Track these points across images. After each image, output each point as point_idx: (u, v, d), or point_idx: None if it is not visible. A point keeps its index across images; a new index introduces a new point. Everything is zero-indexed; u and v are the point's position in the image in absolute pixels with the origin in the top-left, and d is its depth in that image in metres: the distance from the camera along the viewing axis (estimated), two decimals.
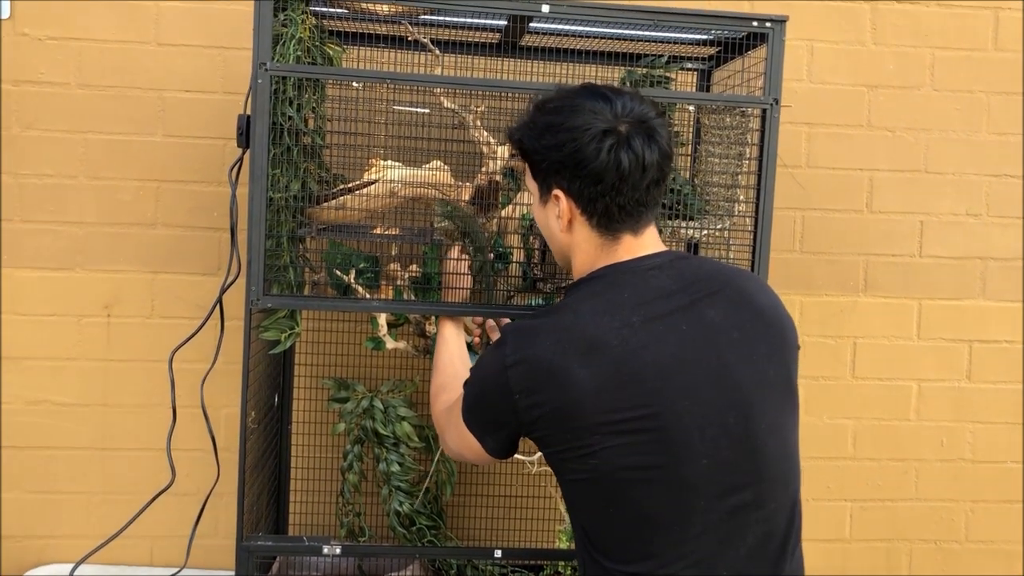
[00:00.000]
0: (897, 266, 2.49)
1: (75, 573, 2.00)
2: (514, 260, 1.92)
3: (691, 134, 2.08)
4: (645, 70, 2.04)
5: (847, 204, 2.47)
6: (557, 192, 1.34)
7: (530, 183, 1.42)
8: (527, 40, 2.09)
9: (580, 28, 1.96)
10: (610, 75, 2.15)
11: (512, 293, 1.93)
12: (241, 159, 1.87)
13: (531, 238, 1.94)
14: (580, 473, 1.28)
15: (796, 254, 2.46)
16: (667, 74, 2.03)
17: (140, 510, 1.91)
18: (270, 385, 2.11)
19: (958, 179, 2.49)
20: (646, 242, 1.37)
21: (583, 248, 1.37)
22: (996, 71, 2.47)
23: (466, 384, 1.44)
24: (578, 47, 2.10)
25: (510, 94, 1.92)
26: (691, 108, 2.00)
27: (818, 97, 2.43)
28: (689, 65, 2.20)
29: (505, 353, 1.31)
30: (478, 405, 1.39)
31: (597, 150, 1.28)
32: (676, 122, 2.03)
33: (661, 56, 2.07)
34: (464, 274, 1.79)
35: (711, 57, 2.14)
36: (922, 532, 2.56)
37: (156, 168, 2.29)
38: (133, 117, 2.27)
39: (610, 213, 1.33)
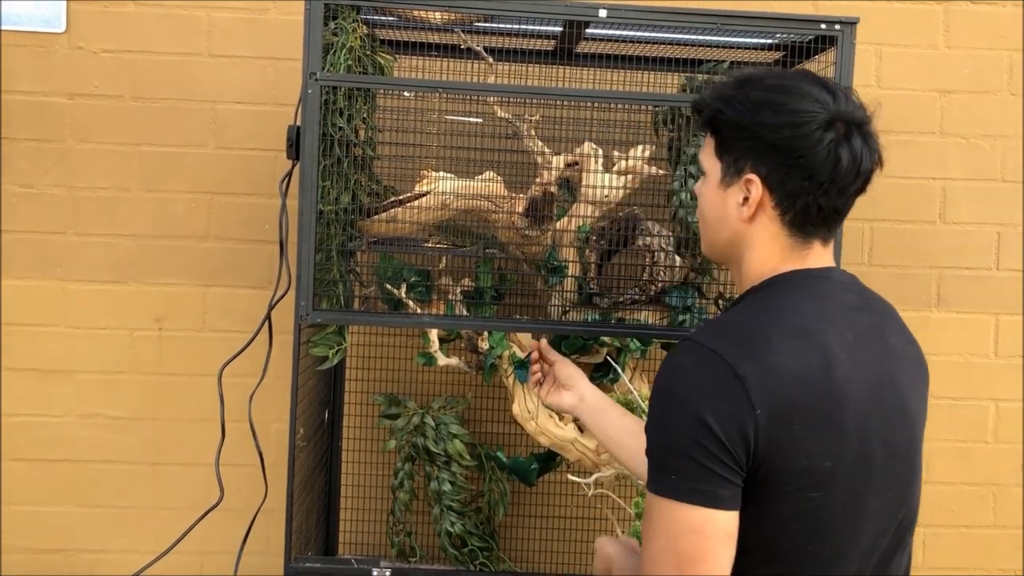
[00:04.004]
0: (972, 280, 2.37)
1: None
2: (570, 274, 1.85)
3: None
4: (706, 76, 1.96)
5: (919, 215, 2.36)
6: (752, 177, 1.19)
7: (708, 161, 1.26)
8: (582, 47, 2.02)
9: (638, 33, 1.89)
10: (669, 81, 2.08)
11: (567, 308, 1.86)
12: (291, 171, 1.84)
13: (587, 251, 1.87)
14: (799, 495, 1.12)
15: (864, 267, 2.35)
16: None
17: (189, 527, 1.88)
18: (319, 401, 2.07)
19: None
20: (830, 254, 1.25)
21: (766, 246, 1.22)
22: None
23: (659, 450, 1.14)
24: (633, 53, 2.03)
25: (565, 102, 1.86)
26: None
27: (887, 103, 2.28)
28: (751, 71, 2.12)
29: (726, 361, 1.10)
30: (695, 448, 1.09)
31: (819, 140, 1.15)
32: None
33: (722, 62, 1.99)
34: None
35: (775, 62, 2.06)
36: (1000, 561, 2.42)
37: (208, 180, 2.27)
38: (185, 129, 2.26)
39: (808, 213, 1.19)
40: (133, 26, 2.24)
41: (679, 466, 1.10)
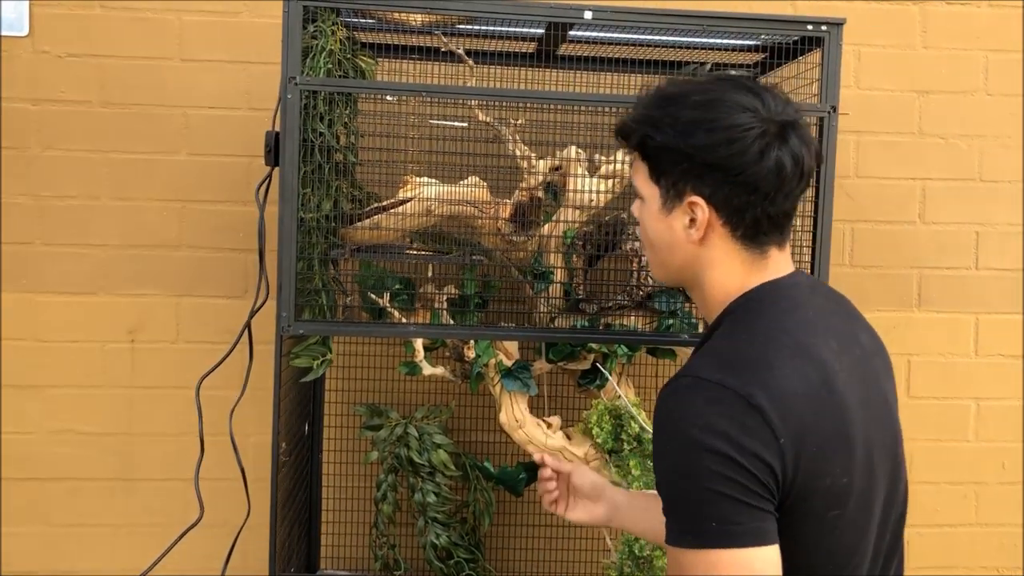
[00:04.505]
0: (952, 279, 2.37)
1: None
2: (556, 280, 1.83)
3: None
4: (686, 78, 1.94)
5: (899, 215, 2.36)
6: (695, 199, 1.13)
7: (644, 187, 1.19)
8: (564, 49, 2.00)
9: (621, 35, 1.86)
10: (650, 84, 2.06)
11: (555, 315, 1.83)
12: (269, 177, 1.79)
13: (574, 257, 1.84)
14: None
15: (846, 268, 2.35)
16: None
17: (170, 545, 1.82)
18: (300, 413, 2.02)
19: (1014, 187, 2.37)
20: (788, 257, 1.20)
21: (724, 264, 1.16)
22: None
23: (686, 501, 1.04)
24: (615, 55, 2.01)
25: (548, 106, 1.84)
26: None
27: (867, 104, 2.33)
28: (733, 73, 2.11)
29: (738, 393, 1.03)
30: (730, 486, 1.01)
31: (759, 153, 1.10)
32: None
33: (704, 63, 1.98)
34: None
35: (756, 64, 2.05)
36: (982, 559, 2.43)
37: (180, 188, 2.21)
38: (156, 135, 2.20)
39: (759, 224, 1.14)
40: (100, 29, 2.18)
41: (717, 512, 1.01)
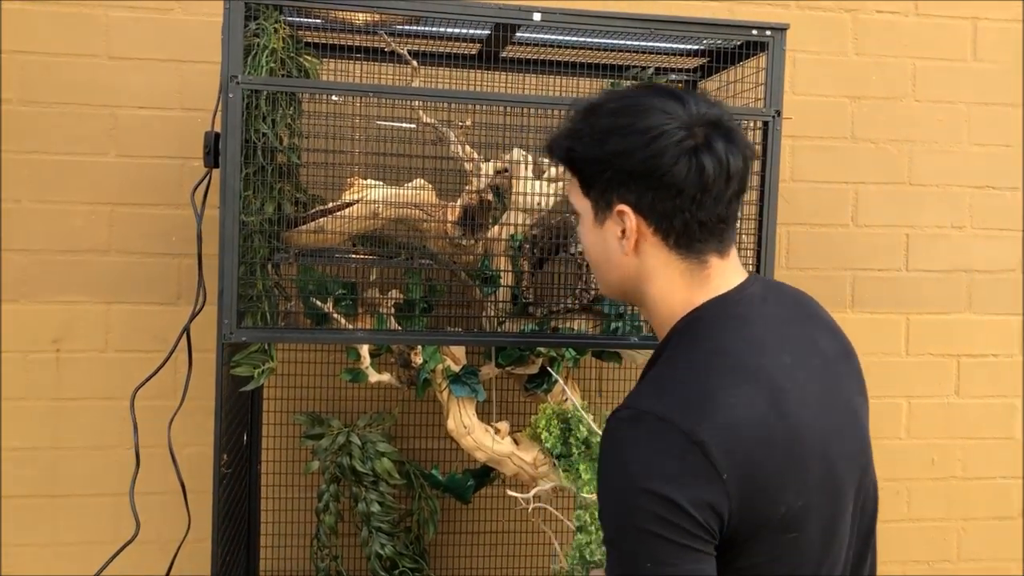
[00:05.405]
0: (884, 281, 2.43)
1: None
2: (503, 284, 1.81)
3: None
4: (631, 83, 1.95)
5: (832, 218, 2.41)
6: (622, 208, 1.11)
7: (578, 202, 1.18)
8: (508, 51, 1.98)
9: (567, 38, 1.85)
10: (592, 87, 2.06)
11: (502, 319, 1.81)
12: (206, 179, 1.73)
13: (520, 260, 1.83)
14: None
15: (782, 270, 2.39)
16: None
17: (106, 563, 1.74)
18: (239, 423, 1.95)
19: (942, 191, 2.45)
20: (735, 266, 1.17)
21: (663, 275, 1.14)
22: (976, 81, 2.44)
23: (622, 537, 1.02)
24: (559, 58, 2.00)
25: (495, 108, 1.81)
26: None
27: (801, 109, 2.37)
28: (674, 77, 2.12)
29: (680, 428, 1.00)
30: (666, 528, 0.99)
31: (676, 156, 1.07)
32: None
33: (647, 67, 1.99)
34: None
35: (698, 68, 2.06)
36: (914, 554, 2.49)
37: (109, 190, 2.12)
38: (83, 136, 2.11)
39: (690, 231, 1.10)
40: (21, 24, 2.08)
41: (651, 553, 0.98)
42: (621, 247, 1.14)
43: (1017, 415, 2.50)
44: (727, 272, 1.15)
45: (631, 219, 1.12)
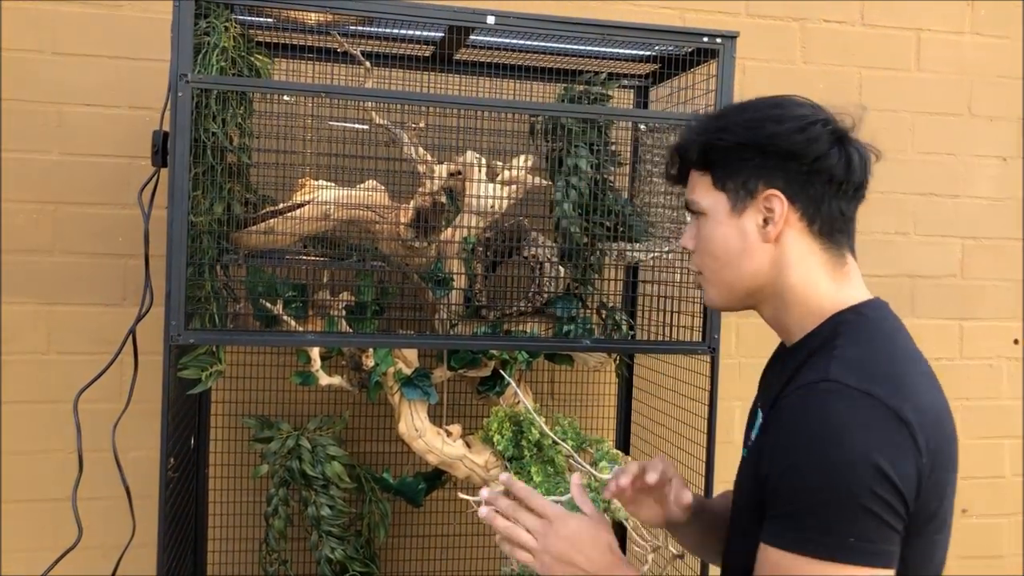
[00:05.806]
0: None
1: None
2: (456, 286, 1.80)
3: (629, 152, 2.02)
4: (584, 87, 1.96)
5: None
6: (772, 192, 1.11)
7: (705, 198, 1.16)
8: (461, 54, 1.98)
9: (520, 42, 1.86)
10: (545, 92, 2.07)
11: (455, 322, 1.81)
12: (154, 179, 1.70)
13: (473, 262, 1.83)
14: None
15: None
16: (606, 92, 1.96)
17: (47, 570, 1.70)
18: (186, 427, 1.93)
19: (886, 198, 2.50)
20: (859, 273, 1.17)
21: (804, 264, 1.13)
22: (919, 91, 2.50)
23: (823, 507, 0.99)
24: (512, 62, 2.00)
25: (448, 110, 1.82)
26: (641, 127, 1.93)
27: None
28: (625, 82, 2.14)
29: (888, 405, 1.00)
30: (875, 502, 0.98)
31: (830, 143, 1.10)
32: (614, 140, 1.96)
33: (600, 72, 2.00)
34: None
35: (649, 75, 2.09)
36: None
37: (53, 189, 2.08)
38: (26, 133, 2.06)
39: (833, 219, 1.12)
40: None
41: (858, 528, 0.97)
42: (763, 235, 1.13)
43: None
44: (858, 278, 1.16)
45: (781, 203, 1.12)
